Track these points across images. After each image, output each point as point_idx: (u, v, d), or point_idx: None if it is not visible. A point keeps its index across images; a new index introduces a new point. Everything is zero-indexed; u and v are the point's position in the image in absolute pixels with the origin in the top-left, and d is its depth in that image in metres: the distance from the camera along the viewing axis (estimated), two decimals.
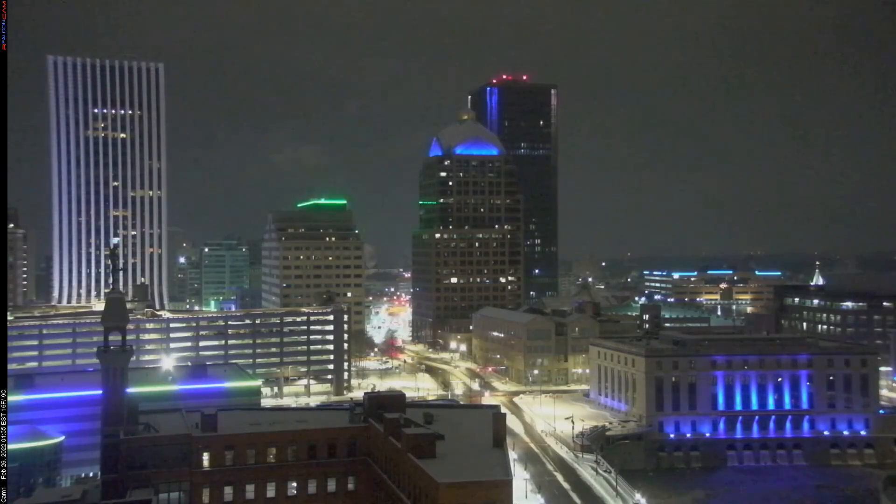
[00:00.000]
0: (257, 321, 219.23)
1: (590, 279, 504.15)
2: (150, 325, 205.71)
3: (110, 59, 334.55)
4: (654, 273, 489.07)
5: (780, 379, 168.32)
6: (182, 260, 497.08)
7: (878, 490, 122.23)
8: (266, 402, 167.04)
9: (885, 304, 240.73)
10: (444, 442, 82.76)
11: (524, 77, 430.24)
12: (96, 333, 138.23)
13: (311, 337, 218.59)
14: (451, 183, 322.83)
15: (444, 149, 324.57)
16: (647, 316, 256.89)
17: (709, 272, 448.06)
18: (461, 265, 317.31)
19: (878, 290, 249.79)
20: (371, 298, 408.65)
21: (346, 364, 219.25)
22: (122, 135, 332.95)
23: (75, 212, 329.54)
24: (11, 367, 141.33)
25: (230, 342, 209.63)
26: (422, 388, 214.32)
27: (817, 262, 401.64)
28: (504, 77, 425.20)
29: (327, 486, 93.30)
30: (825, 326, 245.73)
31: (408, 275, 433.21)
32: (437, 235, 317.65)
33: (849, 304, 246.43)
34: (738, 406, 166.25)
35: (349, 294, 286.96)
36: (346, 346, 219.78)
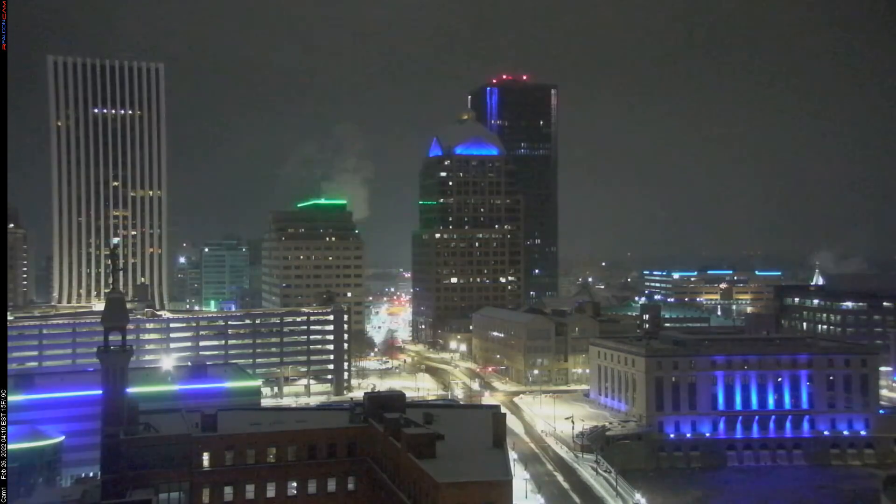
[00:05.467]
0: (257, 321, 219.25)
1: (590, 279, 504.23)
2: (150, 325, 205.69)
3: (110, 59, 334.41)
4: (654, 273, 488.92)
5: (780, 379, 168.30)
6: (182, 260, 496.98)
7: (878, 490, 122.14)
8: (266, 402, 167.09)
9: (885, 304, 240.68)
10: (444, 442, 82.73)
11: (524, 77, 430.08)
12: (96, 333, 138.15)
13: (311, 337, 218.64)
14: (451, 183, 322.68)
15: (444, 149, 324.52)
16: (647, 316, 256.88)
17: (709, 272, 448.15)
18: (461, 265, 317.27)
19: (878, 290, 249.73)
20: (371, 298, 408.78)
21: (346, 364, 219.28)
22: (122, 135, 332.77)
23: (75, 212, 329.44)
24: (11, 367, 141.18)
25: (230, 342, 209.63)
26: (422, 388, 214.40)
27: (817, 262, 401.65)
28: (504, 77, 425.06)
29: (327, 486, 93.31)
30: (825, 326, 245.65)
31: (408, 275, 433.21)
32: (437, 235, 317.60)
33: (849, 304, 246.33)
34: (738, 406, 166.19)
35: (349, 294, 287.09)
36: (346, 346, 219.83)
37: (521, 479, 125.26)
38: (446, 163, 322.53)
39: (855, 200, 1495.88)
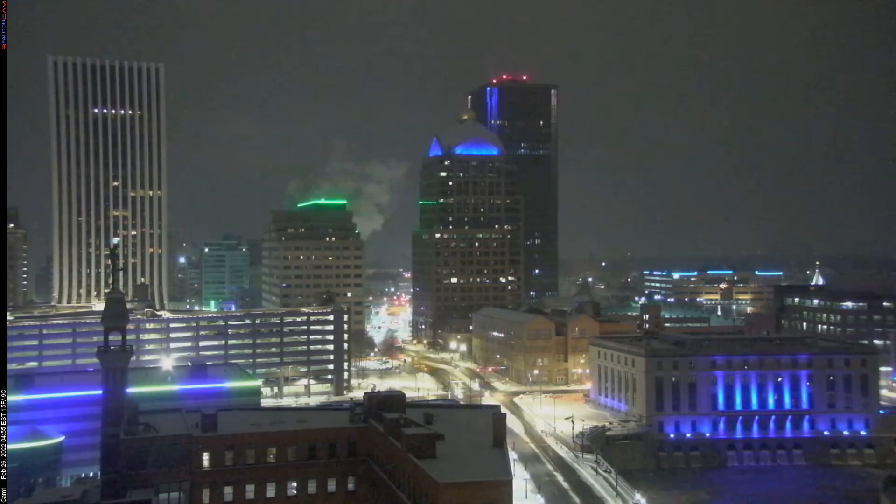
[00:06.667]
0: (257, 321, 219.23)
1: (590, 279, 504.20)
2: (150, 325, 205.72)
3: (110, 59, 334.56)
4: (654, 273, 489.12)
5: (780, 379, 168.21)
6: (182, 260, 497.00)
7: (878, 490, 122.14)
8: (266, 402, 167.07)
9: (885, 304, 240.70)
10: (444, 442, 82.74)
11: (524, 77, 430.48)
12: (96, 333, 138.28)
13: (311, 337, 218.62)
14: (451, 183, 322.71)
15: (444, 149, 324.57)
16: (647, 316, 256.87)
17: (709, 272, 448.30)
18: (461, 265, 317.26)
19: (878, 290, 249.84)
20: (371, 298, 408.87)
21: (346, 364, 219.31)
22: (122, 135, 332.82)
23: (75, 212, 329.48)
24: (11, 367, 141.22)
25: (230, 342, 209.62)
26: (422, 388, 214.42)
27: (817, 262, 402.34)
28: (504, 77, 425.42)
29: (327, 486, 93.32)
30: (825, 326, 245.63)
31: (408, 275, 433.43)
32: (437, 235, 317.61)
33: (849, 304, 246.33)
34: (738, 406, 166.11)
35: (349, 294, 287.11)
36: (346, 346, 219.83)
37: (521, 479, 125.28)
38: (446, 163, 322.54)
39: (855, 201, 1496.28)
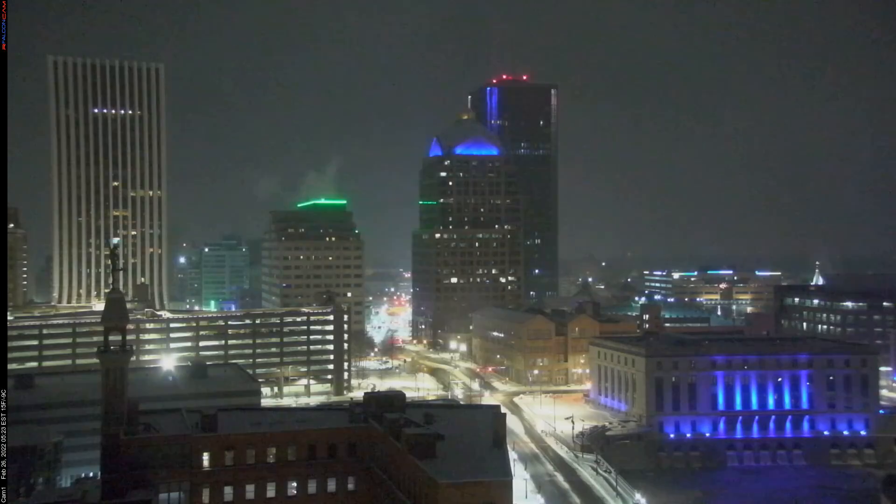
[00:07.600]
0: (257, 321, 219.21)
1: (590, 279, 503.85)
2: (150, 325, 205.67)
3: (110, 59, 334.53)
4: (654, 273, 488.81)
5: (780, 379, 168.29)
6: (182, 260, 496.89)
7: (878, 490, 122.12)
8: (266, 402, 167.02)
9: (885, 304, 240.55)
10: (444, 442, 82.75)
11: (524, 77, 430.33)
12: (96, 333, 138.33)
13: (311, 337, 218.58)
14: (451, 183, 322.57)
15: (444, 149, 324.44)
16: (647, 316, 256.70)
17: (709, 272, 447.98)
18: (461, 265, 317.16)
19: (878, 290, 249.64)
20: (371, 298, 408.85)
21: (346, 364, 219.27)
22: (122, 135, 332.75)
23: (75, 212, 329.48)
24: (11, 367, 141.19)
25: (230, 342, 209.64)
26: (422, 388, 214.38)
27: (817, 262, 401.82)
28: (504, 77, 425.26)
29: (327, 486, 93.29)
30: (825, 326, 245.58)
31: (408, 275, 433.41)
32: (437, 235, 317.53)
33: (849, 304, 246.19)
34: (738, 406, 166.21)
35: (349, 294, 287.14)
36: (346, 346, 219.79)
37: (521, 479, 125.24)
38: (446, 163, 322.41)
39: (855, 200, 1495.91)
